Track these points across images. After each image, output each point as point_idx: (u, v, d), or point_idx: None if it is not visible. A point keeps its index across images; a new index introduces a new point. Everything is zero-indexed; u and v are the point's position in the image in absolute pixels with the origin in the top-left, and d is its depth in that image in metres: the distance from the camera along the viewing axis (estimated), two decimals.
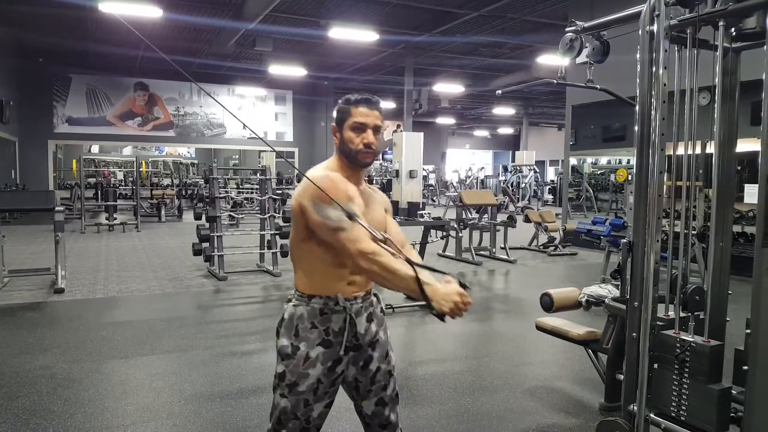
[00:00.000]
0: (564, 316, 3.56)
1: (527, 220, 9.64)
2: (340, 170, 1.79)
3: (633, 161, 8.36)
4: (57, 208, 6.39)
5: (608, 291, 3.13)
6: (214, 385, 3.61)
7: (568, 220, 10.80)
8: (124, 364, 4.04)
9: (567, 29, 3.53)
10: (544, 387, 3.62)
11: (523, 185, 19.44)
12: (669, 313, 2.52)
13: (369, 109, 1.78)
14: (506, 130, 32.72)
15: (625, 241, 2.59)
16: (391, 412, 1.90)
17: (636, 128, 2.54)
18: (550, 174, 29.73)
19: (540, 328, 3.52)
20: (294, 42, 14.17)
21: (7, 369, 3.83)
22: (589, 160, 13.52)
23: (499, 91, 4.49)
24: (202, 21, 12.23)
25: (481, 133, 34.01)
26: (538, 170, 20.66)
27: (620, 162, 13.70)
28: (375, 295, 1.89)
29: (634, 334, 2.53)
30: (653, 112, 2.39)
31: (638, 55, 2.50)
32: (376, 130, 1.79)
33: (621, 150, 11.61)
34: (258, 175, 9.41)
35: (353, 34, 12.11)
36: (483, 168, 25.23)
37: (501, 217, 9.32)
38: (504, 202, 13.20)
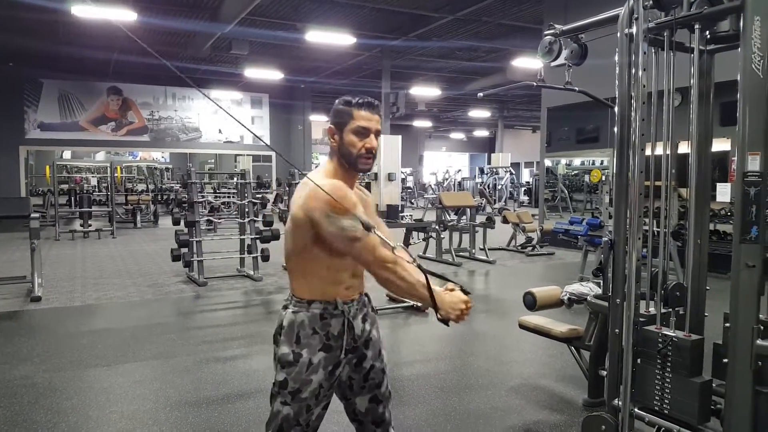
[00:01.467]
0: (544, 314, 3.62)
1: (505, 221, 9.76)
2: (336, 176, 1.77)
3: (606, 162, 8.45)
4: (32, 215, 6.26)
5: (590, 289, 3.19)
6: (200, 391, 3.59)
7: (545, 220, 10.94)
8: (106, 371, 3.98)
9: (546, 32, 3.59)
10: (528, 385, 3.67)
11: (499, 187, 19.63)
12: (650, 310, 2.59)
13: (371, 113, 1.77)
14: (482, 133, 33.03)
15: (606, 239, 2.65)
16: (385, 409, 1.92)
17: (615, 129, 2.60)
18: (525, 176, 30.06)
19: (523, 326, 3.58)
20: (270, 45, 14.11)
21: None
22: (563, 161, 13.72)
23: (481, 93, 4.55)
24: (177, 24, 12.10)
25: (458, 135, 34.28)
26: (513, 172, 20.89)
27: (593, 163, 13.92)
28: (366, 294, 1.91)
29: (617, 330, 2.58)
30: (633, 114, 2.45)
31: (616, 58, 2.56)
32: (377, 134, 1.79)
33: (594, 151, 11.79)
34: (237, 179, 9.35)
35: (330, 38, 12.11)
36: (460, 170, 25.43)
37: (479, 218, 9.42)
38: (481, 203, 13.32)
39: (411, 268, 1.68)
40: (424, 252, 9.06)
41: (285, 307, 1.80)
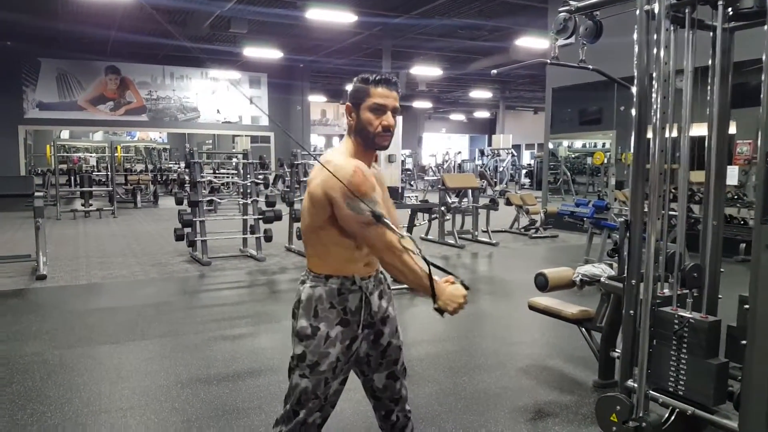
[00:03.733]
0: (552, 296, 3.62)
1: (509, 203, 9.75)
2: (356, 154, 1.76)
3: (608, 144, 8.40)
4: (36, 194, 6.23)
5: (602, 270, 3.20)
6: (210, 369, 3.60)
7: (548, 203, 10.94)
8: (116, 349, 4.00)
9: (560, 9, 3.54)
10: (537, 365, 3.69)
11: (500, 169, 19.59)
12: (664, 291, 2.59)
13: (389, 89, 1.74)
14: (482, 114, 32.85)
15: (622, 219, 2.65)
16: (402, 386, 1.94)
17: (633, 109, 2.58)
18: (526, 158, 29.99)
19: (533, 307, 3.59)
20: (270, 23, 13.92)
21: None
22: (565, 143, 13.68)
23: (494, 71, 4.51)
24: (176, 2, 11.94)
25: (458, 117, 34.09)
26: (516, 154, 20.82)
27: (595, 145, 13.90)
28: (381, 272, 1.91)
29: (632, 311, 2.59)
30: (654, 93, 2.43)
31: (635, 36, 2.53)
32: (395, 112, 1.76)
33: (597, 133, 11.76)
34: (239, 158, 9.30)
35: (330, 15, 11.95)
36: (460, 152, 25.33)
37: (482, 200, 9.41)
38: (482, 185, 13.31)
39: (415, 257, 1.69)
40: (426, 234, 9.06)
41: (302, 282, 1.82)
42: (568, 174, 12.30)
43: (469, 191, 9.48)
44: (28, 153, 17.73)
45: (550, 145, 12.34)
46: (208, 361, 3.74)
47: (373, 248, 1.70)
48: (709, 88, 2.59)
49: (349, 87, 1.86)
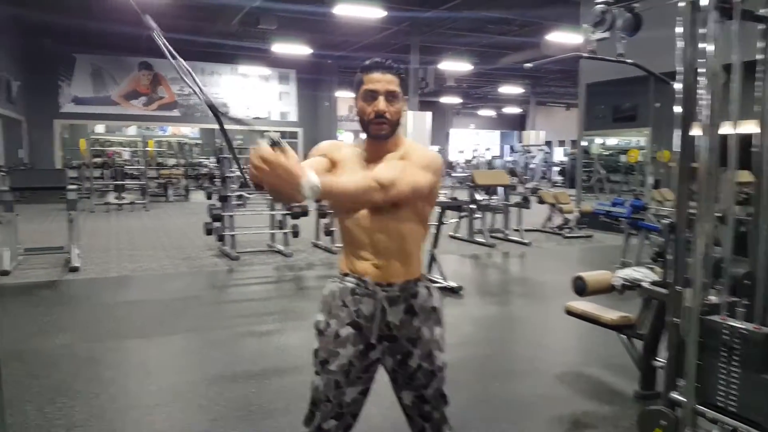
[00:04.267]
0: (590, 300, 3.48)
1: (541, 201, 9.54)
2: (366, 146, 1.69)
3: (643, 142, 8.16)
4: (69, 187, 6.32)
5: (643, 274, 3.05)
6: (236, 365, 3.56)
7: (581, 201, 10.70)
8: (144, 343, 4.00)
9: (597, 1, 3.41)
10: (573, 373, 3.56)
11: (532, 166, 19.28)
12: (710, 298, 2.45)
13: (381, 73, 1.62)
14: (512, 110, 32.37)
15: (666, 222, 2.52)
16: (434, 409, 1.75)
17: (676, 107, 2.45)
18: (558, 154, 29.51)
19: (570, 312, 3.45)
20: (298, 19, 13.92)
21: (27, 347, 3.79)
22: (598, 140, 13.37)
23: (528, 65, 4.38)
24: None
25: (487, 112, 33.67)
26: (548, 150, 20.46)
27: (629, 143, 13.57)
28: (427, 288, 1.76)
29: (676, 319, 2.46)
30: (700, 89, 2.29)
31: (678, 29, 2.40)
32: (390, 95, 1.62)
33: (632, 130, 11.46)
34: None
35: (359, 11, 11.88)
36: (489, 148, 25.05)
37: (514, 198, 9.22)
38: (513, 182, 13.10)
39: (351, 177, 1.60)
40: (455, 232, 8.93)
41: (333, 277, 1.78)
42: (602, 172, 12.01)
43: (500, 188, 9.31)
44: (63, 146, 18.11)
45: (583, 143, 12.07)
46: (234, 358, 3.70)
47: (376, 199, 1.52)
48: (757, 83, 2.43)
49: None
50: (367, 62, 1.66)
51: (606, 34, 3.64)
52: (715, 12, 2.29)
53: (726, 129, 2.33)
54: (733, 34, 2.37)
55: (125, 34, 15.17)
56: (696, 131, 2.29)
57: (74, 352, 3.74)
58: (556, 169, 23.33)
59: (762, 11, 2.38)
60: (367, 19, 12.87)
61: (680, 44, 2.36)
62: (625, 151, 12.45)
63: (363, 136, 1.72)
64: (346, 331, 1.67)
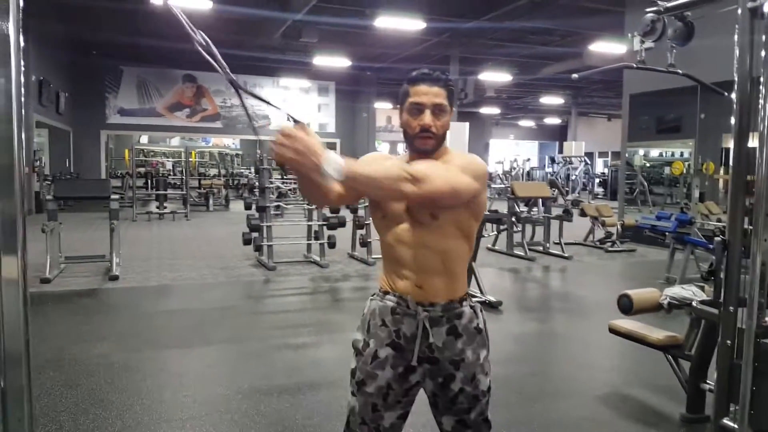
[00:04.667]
0: (634, 318, 3.33)
1: (583, 214, 9.30)
2: (409, 160, 1.61)
3: (688, 154, 7.88)
4: (112, 197, 6.46)
5: (692, 293, 2.89)
6: (270, 379, 3.54)
7: (624, 214, 10.39)
8: (180, 354, 4.02)
9: (648, 9, 3.29)
10: (617, 394, 3.40)
11: (573, 177, 18.90)
12: (766, 320, 2.30)
13: (429, 85, 1.55)
14: (552, 121, 31.90)
15: (719, 239, 2.38)
16: None
17: (732, 118, 2.33)
18: (599, 166, 28.88)
19: (614, 331, 3.30)
20: (339, 32, 14.05)
21: (66, 356, 3.84)
22: (641, 152, 13.02)
23: (575, 75, 4.27)
24: (250, 12, 12.22)
25: (527, 123, 33.27)
26: (589, 162, 20.05)
27: (673, 155, 13.17)
28: (472, 308, 1.67)
29: (729, 341, 2.32)
30: (761, 100, 2.16)
31: (736, 37, 2.29)
32: (437, 109, 1.55)
33: (676, 142, 11.12)
34: None
35: (399, 23, 11.92)
36: (529, 159, 24.70)
37: (555, 210, 9.02)
38: (554, 194, 12.85)
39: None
40: (494, 244, 8.78)
41: (373, 294, 1.71)
42: (645, 184, 11.67)
43: (540, 201, 9.12)
44: (109, 156, 18.70)
45: (626, 154, 11.75)
46: (269, 371, 3.68)
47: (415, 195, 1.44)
48: None
49: None
50: (414, 73, 1.59)
51: (651, 45, 3.52)
52: None
53: None
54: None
55: (170, 48, 15.61)
56: (753, 143, 2.16)
57: (111, 362, 3.77)
58: (597, 180, 22.82)
59: None
60: (406, 32, 12.90)
61: (738, 53, 2.25)
62: (668, 163, 12.06)
63: (401, 147, 1.66)
64: (386, 352, 1.60)
